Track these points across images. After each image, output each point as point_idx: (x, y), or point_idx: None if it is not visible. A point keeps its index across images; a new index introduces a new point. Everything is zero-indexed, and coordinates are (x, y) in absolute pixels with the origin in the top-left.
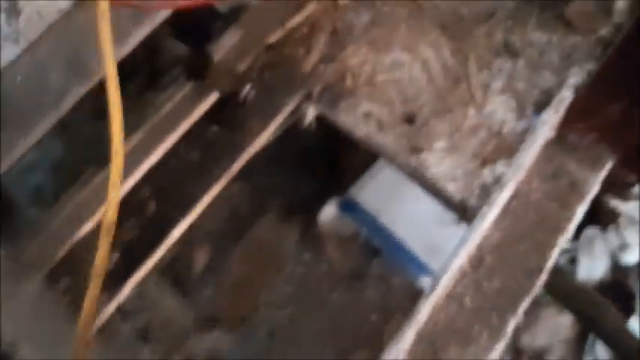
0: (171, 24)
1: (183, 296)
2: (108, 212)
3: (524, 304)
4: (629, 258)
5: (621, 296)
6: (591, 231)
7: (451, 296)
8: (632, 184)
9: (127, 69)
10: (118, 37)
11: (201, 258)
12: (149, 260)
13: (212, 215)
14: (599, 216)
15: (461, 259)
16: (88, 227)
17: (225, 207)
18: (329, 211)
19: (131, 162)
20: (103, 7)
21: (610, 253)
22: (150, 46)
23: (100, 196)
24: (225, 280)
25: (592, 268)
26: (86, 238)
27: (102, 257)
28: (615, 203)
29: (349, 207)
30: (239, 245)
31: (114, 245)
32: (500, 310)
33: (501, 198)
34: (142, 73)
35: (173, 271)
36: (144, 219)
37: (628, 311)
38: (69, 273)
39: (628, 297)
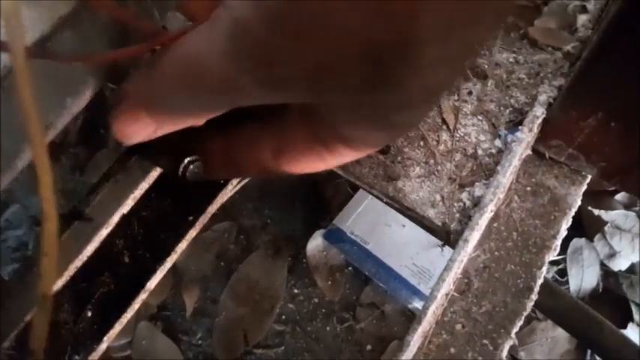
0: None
1: (175, 341)
2: (42, 284)
3: (516, 327)
4: (619, 265)
5: (615, 304)
6: (578, 242)
7: (441, 324)
8: (615, 193)
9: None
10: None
11: (190, 301)
12: (125, 314)
13: (199, 258)
14: (585, 226)
15: (447, 286)
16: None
17: (211, 249)
18: (315, 243)
19: (101, 215)
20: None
21: (599, 262)
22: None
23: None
24: (216, 323)
25: (583, 279)
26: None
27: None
28: (600, 213)
29: (335, 237)
30: (228, 286)
31: (85, 302)
32: (493, 335)
33: (482, 220)
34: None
35: (163, 316)
36: (118, 271)
37: (624, 319)
38: None
39: (622, 304)
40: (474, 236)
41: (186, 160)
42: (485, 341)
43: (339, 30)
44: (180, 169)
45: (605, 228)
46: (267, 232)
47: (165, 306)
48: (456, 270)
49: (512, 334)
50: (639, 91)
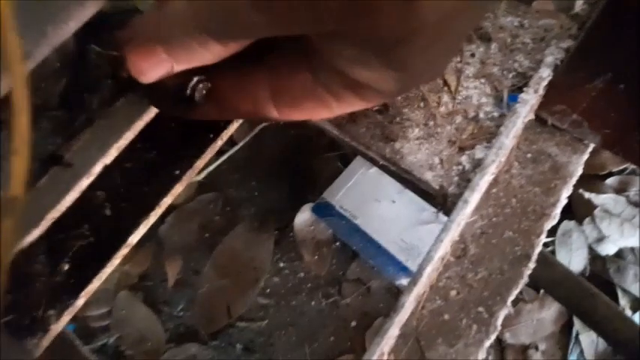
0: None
1: (156, 312)
2: (12, 184)
3: (513, 295)
4: (607, 249)
5: (602, 288)
6: (567, 224)
7: (435, 290)
8: (606, 177)
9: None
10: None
11: (172, 272)
12: (104, 269)
13: (182, 228)
14: (575, 210)
15: (443, 249)
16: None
17: (195, 219)
18: (303, 217)
19: (81, 163)
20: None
21: (587, 245)
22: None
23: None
24: (198, 294)
25: (570, 262)
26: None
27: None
28: (590, 196)
29: (324, 211)
30: (211, 258)
31: (62, 254)
32: (488, 302)
33: (483, 182)
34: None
35: (144, 286)
36: (98, 224)
37: None
38: None
39: (608, 289)
40: (474, 197)
41: (195, 79)
42: (480, 308)
43: None
44: (189, 89)
45: (595, 212)
46: (253, 203)
47: (147, 276)
48: (454, 232)
49: (508, 302)
50: None
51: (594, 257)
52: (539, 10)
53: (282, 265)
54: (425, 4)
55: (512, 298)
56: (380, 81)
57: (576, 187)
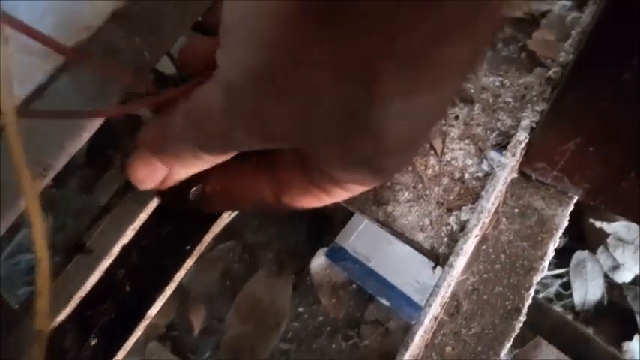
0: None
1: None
2: (38, 321)
3: (505, 347)
4: (623, 277)
5: (620, 316)
6: (581, 254)
7: (431, 347)
8: None
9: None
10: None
11: (197, 321)
12: (128, 342)
13: (204, 277)
14: (587, 239)
15: (434, 311)
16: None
17: (216, 267)
18: (319, 261)
19: (102, 246)
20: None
21: (602, 274)
22: None
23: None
24: (222, 341)
25: (587, 292)
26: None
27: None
28: (601, 225)
29: (337, 255)
30: (233, 305)
31: (89, 330)
32: (482, 356)
33: (467, 245)
34: None
35: (172, 336)
36: (119, 300)
37: (629, 330)
38: None
39: (627, 316)
40: (459, 261)
41: (194, 188)
42: None
43: (313, 88)
44: (191, 195)
45: (608, 240)
46: (271, 248)
47: (173, 325)
48: (443, 294)
49: (501, 355)
50: (612, 117)
51: (611, 285)
52: (534, 51)
53: (301, 309)
54: (388, 135)
55: (504, 351)
56: (361, 180)
57: (587, 216)
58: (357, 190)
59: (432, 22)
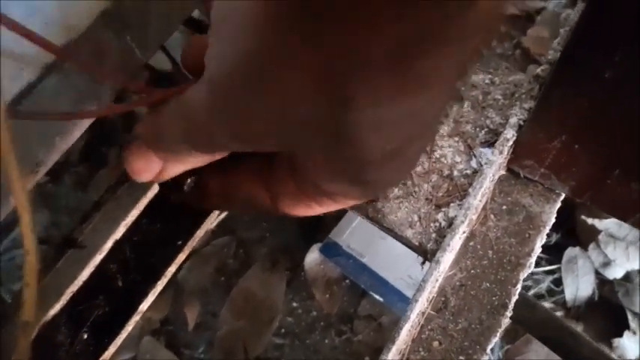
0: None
1: (178, 354)
2: (24, 312)
3: (492, 343)
4: (614, 273)
5: (611, 312)
6: (572, 251)
7: (418, 342)
8: None
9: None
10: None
11: (192, 316)
12: (119, 336)
13: (199, 272)
14: (579, 236)
15: (420, 306)
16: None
17: (211, 263)
18: (313, 257)
19: (94, 242)
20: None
21: (594, 271)
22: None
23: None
24: (216, 337)
25: (578, 288)
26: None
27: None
28: (593, 222)
29: (331, 251)
30: (228, 300)
31: (81, 324)
32: (469, 351)
33: (454, 242)
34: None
35: (166, 331)
36: (111, 295)
37: (620, 327)
38: None
39: (618, 312)
40: (446, 257)
41: (188, 179)
42: (461, 357)
43: (293, 90)
44: (186, 186)
45: (599, 237)
46: (265, 244)
47: (168, 320)
48: (430, 290)
49: (488, 350)
50: (596, 114)
51: (602, 281)
52: (528, 47)
53: (294, 304)
54: (366, 146)
55: (491, 346)
56: (349, 192)
57: (579, 213)
58: (348, 202)
59: (403, 32)
